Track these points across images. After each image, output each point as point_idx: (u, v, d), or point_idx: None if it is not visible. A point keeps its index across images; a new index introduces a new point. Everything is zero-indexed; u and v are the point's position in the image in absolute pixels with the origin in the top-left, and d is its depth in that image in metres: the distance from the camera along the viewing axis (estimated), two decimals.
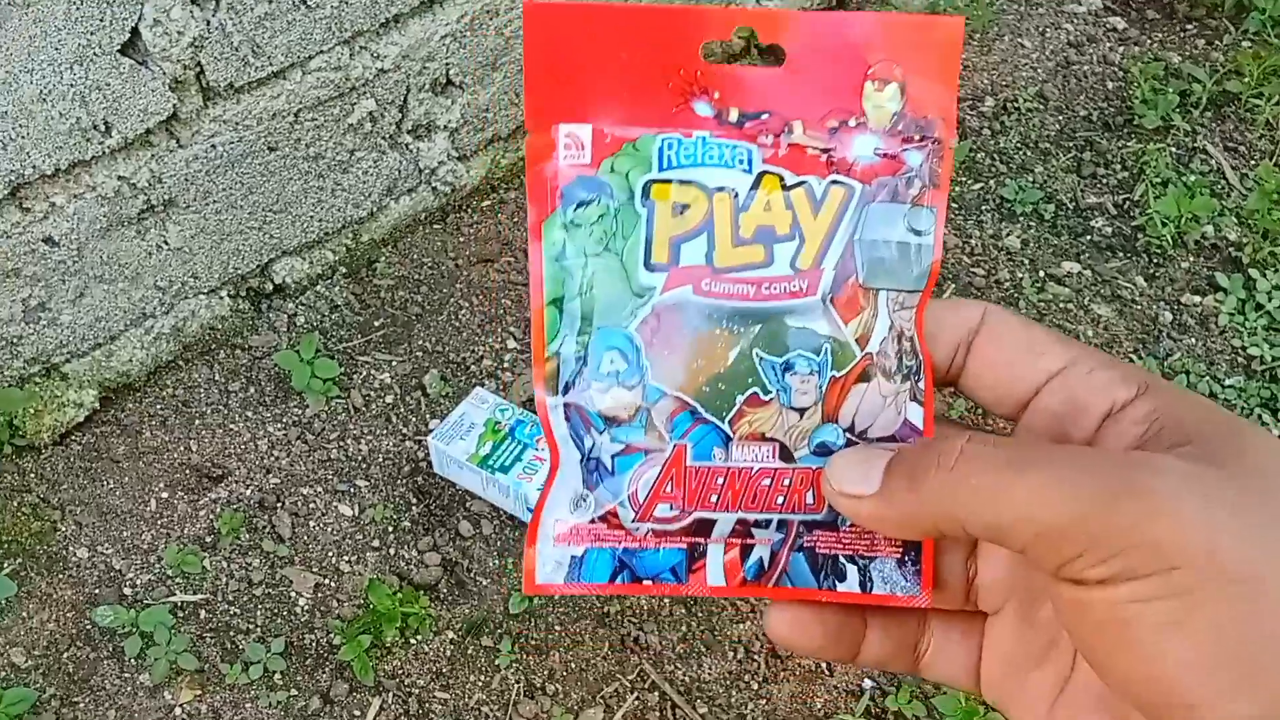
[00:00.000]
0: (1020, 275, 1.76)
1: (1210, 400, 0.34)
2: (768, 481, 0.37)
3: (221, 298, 1.58)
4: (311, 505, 1.44)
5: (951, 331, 0.37)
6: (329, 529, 1.42)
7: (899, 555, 0.38)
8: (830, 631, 0.37)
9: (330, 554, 1.40)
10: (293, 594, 1.36)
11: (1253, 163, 1.91)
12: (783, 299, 0.37)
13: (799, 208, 0.37)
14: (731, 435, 0.37)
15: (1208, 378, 1.63)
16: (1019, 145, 1.94)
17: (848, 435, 0.37)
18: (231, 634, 1.33)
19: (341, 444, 1.50)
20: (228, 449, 1.48)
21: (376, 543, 1.41)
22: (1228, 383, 1.63)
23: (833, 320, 0.37)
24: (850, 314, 0.37)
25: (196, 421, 1.51)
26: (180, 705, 1.27)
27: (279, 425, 1.51)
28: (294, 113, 1.46)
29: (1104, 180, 1.89)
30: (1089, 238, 1.81)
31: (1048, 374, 0.35)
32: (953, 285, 1.73)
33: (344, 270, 1.68)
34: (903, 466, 0.33)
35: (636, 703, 1.31)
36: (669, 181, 0.36)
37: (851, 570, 0.38)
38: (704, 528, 0.37)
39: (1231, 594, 0.28)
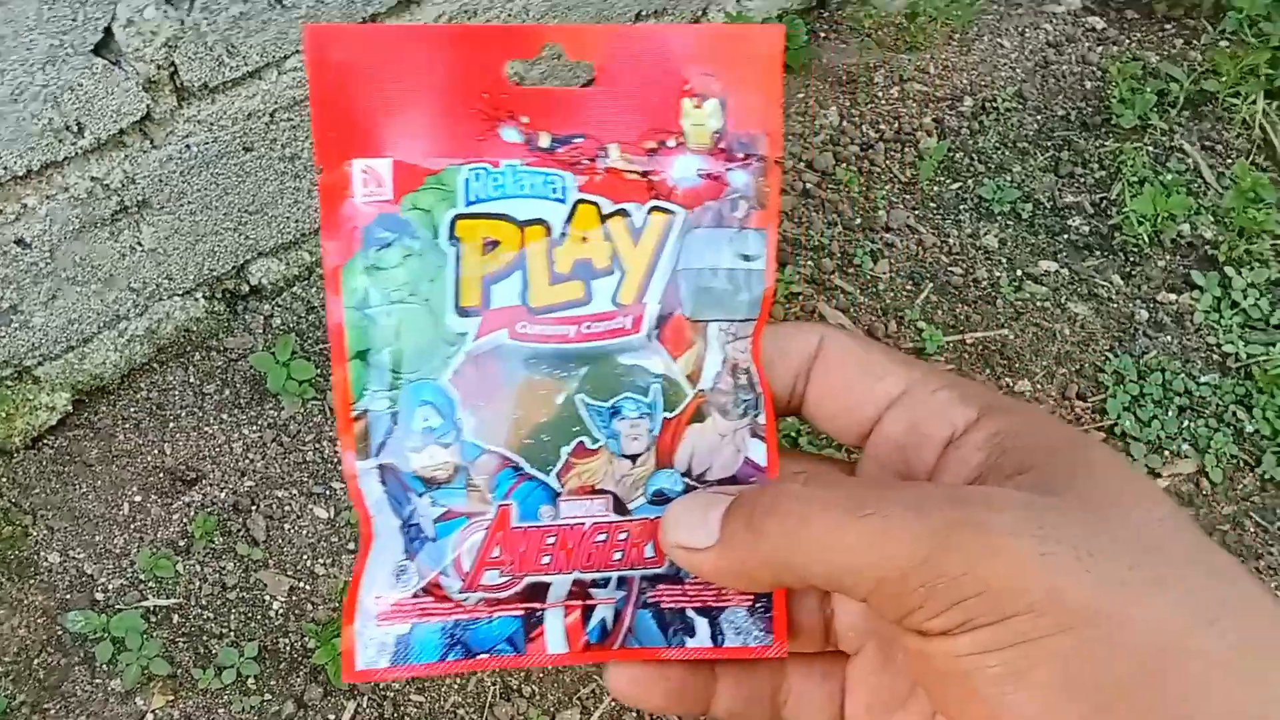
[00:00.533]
0: (998, 274, 1.76)
1: (1054, 418, 0.33)
2: (602, 537, 0.35)
3: (197, 299, 1.57)
4: (286, 508, 1.43)
5: (790, 359, 0.35)
6: (304, 532, 1.42)
7: (750, 603, 0.36)
8: (674, 688, 0.36)
9: (305, 557, 1.39)
10: (267, 598, 1.36)
11: (1229, 161, 1.91)
12: (606, 338, 0.34)
13: (618, 238, 0.34)
14: (559, 490, 0.34)
15: (1183, 375, 1.64)
16: (997, 145, 1.95)
17: (686, 480, 0.35)
18: (204, 638, 1.32)
19: (317, 446, 1.49)
20: (202, 452, 1.48)
21: (352, 545, 1.41)
22: (1203, 380, 1.64)
23: (661, 358, 0.35)
24: (679, 350, 0.35)
25: (171, 424, 1.50)
26: (152, 711, 1.27)
27: (254, 428, 1.50)
28: (269, 113, 1.46)
29: (1081, 179, 1.90)
30: (1066, 237, 1.82)
31: (888, 398, 0.34)
32: (930, 284, 1.74)
33: (321, 272, 1.67)
34: (740, 514, 0.31)
35: (613, 704, 1.30)
36: (476, 216, 0.34)
37: (701, 624, 0.35)
38: (538, 592, 0.35)
39: (1076, 638, 0.26)
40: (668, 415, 0.35)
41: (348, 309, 0.33)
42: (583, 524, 0.35)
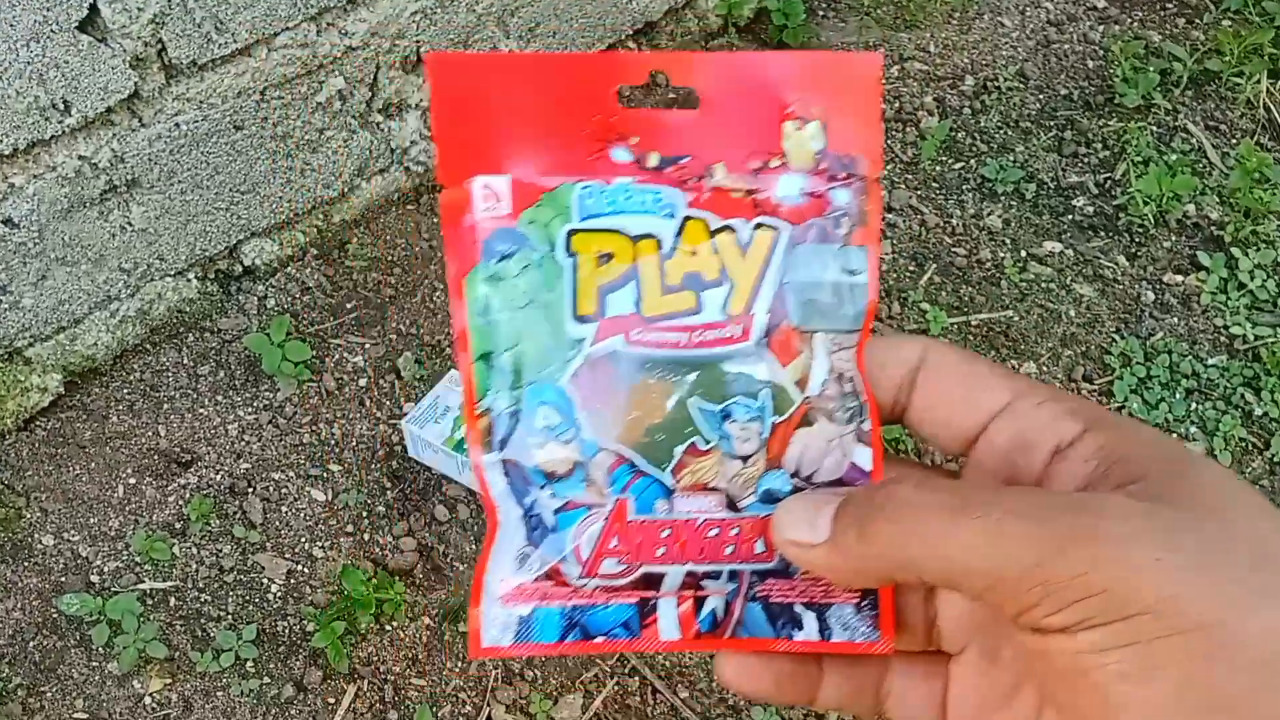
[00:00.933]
0: (1002, 255, 1.74)
1: (1160, 433, 0.34)
2: (715, 532, 0.37)
3: (189, 280, 1.54)
4: (283, 490, 1.41)
5: (893, 370, 0.37)
6: (301, 514, 1.40)
7: (857, 600, 0.37)
8: (782, 678, 0.37)
9: (303, 540, 1.38)
10: (265, 580, 1.34)
11: (1234, 141, 1.90)
12: (717, 345, 0.36)
13: (726, 252, 0.36)
14: (673, 487, 0.36)
15: (1190, 357, 1.62)
16: (1000, 124, 1.93)
17: (794, 481, 0.37)
18: (202, 621, 1.30)
19: (314, 428, 1.47)
20: (197, 434, 1.45)
21: (350, 528, 1.39)
22: (1210, 362, 1.62)
23: (770, 365, 0.37)
24: (787, 358, 0.37)
25: (165, 406, 1.48)
26: (150, 694, 1.25)
27: (249, 409, 1.48)
28: (260, 91, 1.43)
29: (1085, 159, 1.88)
30: (1070, 217, 1.80)
31: (991, 411, 0.35)
32: (934, 264, 1.72)
33: (315, 251, 1.65)
34: (851, 513, 0.33)
35: (616, 688, 1.29)
36: (591, 231, 0.36)
37: (809, 618, 0.37)
38: (653, 581, 0.37)
39: (1193, 642, 0.27)
40: (777, 419, 0.37)
41: (471, 315, 0.36)
42: (696, 519, 0.37)
